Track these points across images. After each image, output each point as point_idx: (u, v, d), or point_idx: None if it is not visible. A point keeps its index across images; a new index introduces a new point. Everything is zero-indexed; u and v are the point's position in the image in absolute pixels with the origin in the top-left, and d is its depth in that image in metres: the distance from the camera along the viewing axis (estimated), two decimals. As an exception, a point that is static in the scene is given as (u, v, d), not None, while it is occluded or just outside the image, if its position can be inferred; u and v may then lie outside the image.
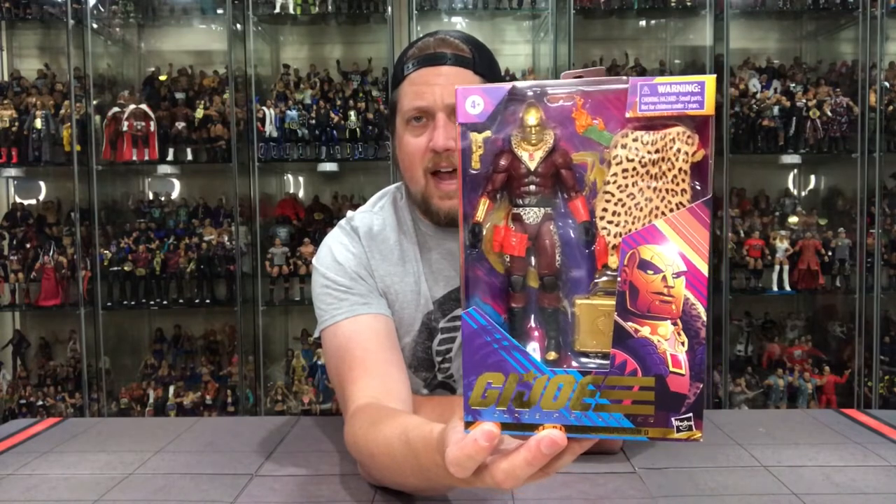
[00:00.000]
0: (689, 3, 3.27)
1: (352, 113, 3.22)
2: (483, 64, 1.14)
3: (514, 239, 0.61)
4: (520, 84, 0.60)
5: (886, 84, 3.19)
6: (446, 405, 1.15)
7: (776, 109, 3.17)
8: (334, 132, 3.22)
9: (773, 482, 1.03)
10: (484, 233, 0.61)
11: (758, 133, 3.19)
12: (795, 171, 3.57)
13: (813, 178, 3.61)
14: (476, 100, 0.60)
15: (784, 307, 3.50)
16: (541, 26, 3.41)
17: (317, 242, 3.22)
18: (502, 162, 0.61)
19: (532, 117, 0.60)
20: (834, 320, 3.41)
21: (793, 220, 3.30)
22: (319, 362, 3.21)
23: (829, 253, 3.22)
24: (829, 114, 3.14)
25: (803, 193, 3.60)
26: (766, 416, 1.53)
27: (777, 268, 3.22)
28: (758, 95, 3.20)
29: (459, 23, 3.47)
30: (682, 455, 1.14)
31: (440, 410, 1.11)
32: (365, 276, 1.18)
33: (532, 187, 0.61)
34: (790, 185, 3.56)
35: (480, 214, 0.61)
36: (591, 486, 1.01)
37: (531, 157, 0.60)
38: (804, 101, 3.17)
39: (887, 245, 3.25)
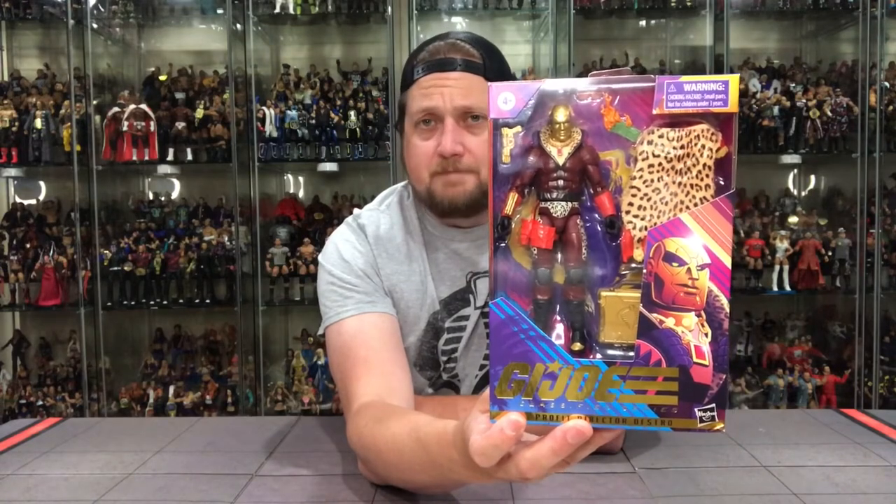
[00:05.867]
0: (689, 3, 3.27)
1: (352, 113, 3.22)
2: (494, 68, 1.13)
3: (542, 231, 0.62)
4: (550, 82, 0.61)
5: (886, 84, 3.18)
6: (447, 405, 1.15)
7: (776, 109, 3.17)
8: (334, 132, 3.22)
9: (773, 482, 1.03)
10: (512, 226, 0.63)
11: (758, 133, 3.19)
12: (795, 171, 3.57)
13: (813, 178, 3.61)
14: (508, 96, 0.61)
15: (784, 307, 3.50)
16: (541, 26, 3.41)
17: (317, 242, 3.24)
18: (531, 157, 0.62)
19: (561, 114, 0.61)
20: (834, 320, 3.41)
21: (793, 220, 3.30)
22: (319, 362, 3.21)
23: (829, 253, 3.21)
24: (829, 114, 3.14)
25: (803, 193, 3.60)
26: (766, 416, 1.53)
27: (777, 268, 3.22)
28: (758, 95, 3.20)
29: (459, 23, 3.47)
30: (682, 455, 1.14)
31: (441, 410, 1.11)
32: (371, 274, 1.18)
33: (560, 182, 0.62)
34: (790, 185, 3.56)
35: (509, 208, 0.63)
36: (591, 486, 1.01)
37: (559, 153, 0.62)
38: (804, 101, 3.17)
39: (887, 245, 3.25)
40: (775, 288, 3.23)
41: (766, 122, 3.16)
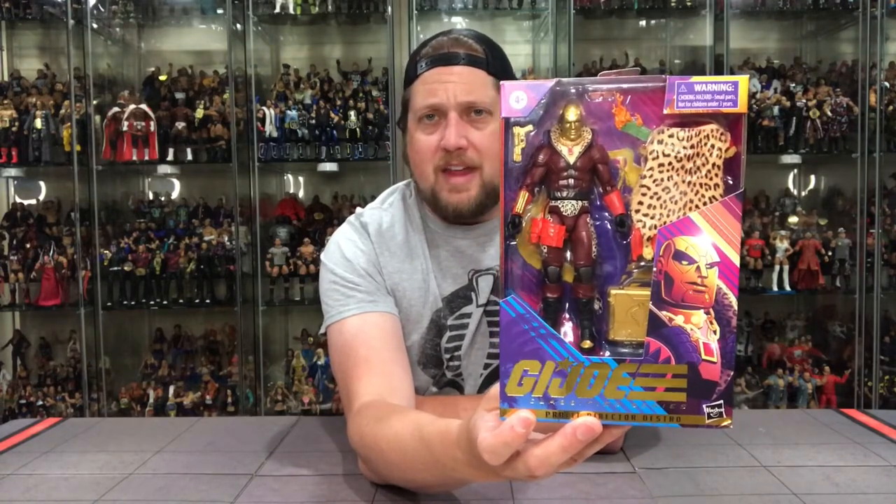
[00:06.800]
0: (689, 3, 3.27)
1: (352, 113, 3.22)
2: (496, 64, 1.14)
3: (552, 230, 0.63)
4: (563, 81, 0.62)
5: (886, 84, 3.18)
6: (448, 405, 1.15)
7: (776, 109, 3.17)
8: (334, 132, 3.22)
9: (773, 482, 1.03)
10: (523, 224, 0.63)
11: (758, 133, 3.18)
12: (795, 171, 3.57)
13: (813, 178, 3.61)
14: (520, 95, 0.62)
15: (784, 307, 3.49)
16: (541, 26, 3.41)
17: (317, 242, 3.24)
18: (542, 156, 0.63)
19: (572, 113, 0.62)
20: (834, 320, 3.41)
21: (793, 220, 3.30)
22: (319, 362, 3.21)
23: (829, 253, 3.21)
24: (829, 114, 3.14)
25: (803, 193, 3.60)
26: (766, 416, 1.53)
27: (777, 268, 3.22)
28: (758, 95, 3.20)
29: (459, 22, 3.47)
30: (682, 455, 1.14)
31: (441, 410, 1.11)
32: (373, 273, 1.18)
33: (570, 181, 0.63)
34: (790, 185, 3.56)
35: (520, 206, 0.63)
36: (591, 486, 1.01)
37: (570, 152, 0.62)
38: (804, 101, 3.17)
39: (887, 245, 3.25)
40: (775, 288, 3.23)
41: (766, 122, 3.16)
